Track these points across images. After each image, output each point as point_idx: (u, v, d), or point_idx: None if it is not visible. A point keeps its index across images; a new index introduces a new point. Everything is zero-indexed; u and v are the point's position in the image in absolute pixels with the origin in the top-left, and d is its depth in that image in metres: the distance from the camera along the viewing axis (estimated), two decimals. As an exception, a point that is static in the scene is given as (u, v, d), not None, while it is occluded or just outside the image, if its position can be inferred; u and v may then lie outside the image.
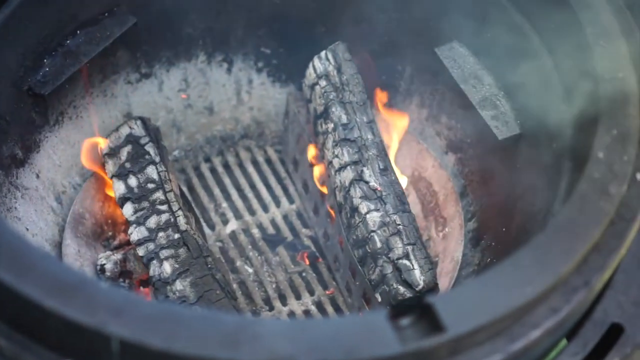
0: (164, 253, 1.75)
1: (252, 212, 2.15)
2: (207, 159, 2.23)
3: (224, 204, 2.15)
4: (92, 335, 1.11)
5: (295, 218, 2.14)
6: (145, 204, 1.83)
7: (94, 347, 1.13)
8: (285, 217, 2.15)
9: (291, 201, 2.18)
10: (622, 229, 1.36)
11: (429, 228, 2.06)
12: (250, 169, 2.23)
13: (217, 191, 2.17)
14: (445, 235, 2.01)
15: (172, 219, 1.80)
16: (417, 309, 1.19)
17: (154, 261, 1.75)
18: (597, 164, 1.38)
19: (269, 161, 2.25)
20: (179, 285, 1.71)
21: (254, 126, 2.25)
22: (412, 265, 1.78)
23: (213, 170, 2.22)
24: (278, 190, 2.19)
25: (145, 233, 1.79)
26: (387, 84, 2.13)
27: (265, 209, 2.16)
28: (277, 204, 2.17)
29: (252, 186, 2.20)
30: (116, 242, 1.99)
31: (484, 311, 1.19)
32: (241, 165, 2.24)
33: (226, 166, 2.23)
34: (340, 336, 1.14)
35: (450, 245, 1.97)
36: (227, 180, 2.20)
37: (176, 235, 1.77)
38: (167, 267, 1.73)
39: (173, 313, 1.13)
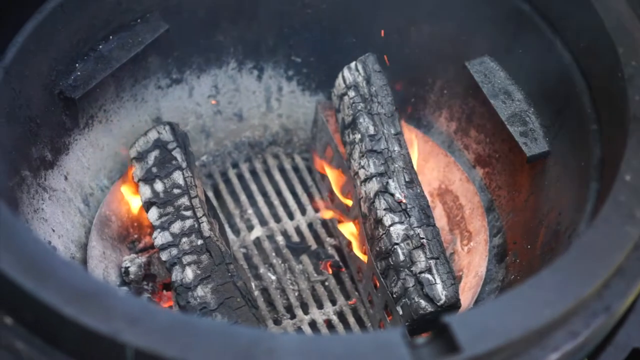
0: (187, 259, 1.76)
1: (277, 219, 2.15)
2: (235, 165, 2.24)
3: (250, 210, 2.16)
4: (107, 343, 1.12)
5: (320, 227, 2.14)
6: (170, 209, 1.84)
7: (110, 355, 1.14)
8: (310, 225, 2.15)
9: (317, 210, 2.18)
10: (648, 253, 1.34)
11: (455, 242, 2.05)
12: (277, 176, 2.23)
13: (243, 197, 2.18)
14: (470, 250, 2.00)
15: (196, 225, 1.81)
16: (434, 328, 1.19)
17: (177, 266, 1.76)
18: (623, 187, 1.36)
19: (296, 169, 2.25)
20: (200, 291, 1.71)
21: (282, 133, 2.26)
22: (435, 279, 1.77)
23: (240, 176, 2.23)
24: (304, 198, 2.20)
25: (169, 238, 1.80)
26: (417, 96, 2.13)
27: (291, 216, 2.16)
28: (303, 211, 2.17)
29: (279, 193, 2.21)
30: (141, 245, 2.00)
31: (502, 333, 1.18)
32: (268, 172, 2.24)
33: (253, 172, 2.24)
34: (354, 354, 1.14)
35: (475, 260, 1.96)
36: (253, 187, 2.21)
37: (199, 242, 1.78)
38: (189, 273, 1.74)
39: (189, 324, 1.14)
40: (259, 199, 2.19)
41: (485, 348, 1.16)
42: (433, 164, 2.11)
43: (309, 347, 1.13)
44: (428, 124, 2.15)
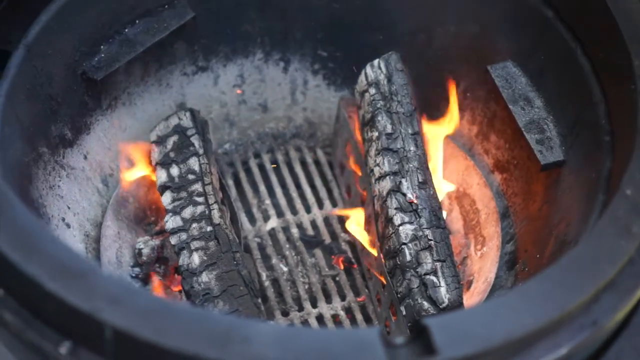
0: (195, 244, 1.78)
1: (294, 212, 2.16)
2: (257, 155, 2.26)
3: (267, 201, 2.17)
4: (88, 321, 1.14)
5: (337, 221, 2.15)
6: (184, 194, 1.86)
7: (91, 332, 1.16)
8: (326, 220, 2.15)
9: (334, 204, 2.18)
10: (642, 269, 1.32)
11: (469, 246, 2.04)
12: (298, 169, 2.24)
13: (262, 187, 2.20)
14: (482, 255, 1.99)
15: (207, 212, 1.82)
16: (415, 329, 1.19)
17: (184, 251, 1.78)
18: (623, 200, 1.34)
19: (317, 162, 2.26)
20: (205, 277, 1.73)
21: (305, 127, 2.27)
22: (439, 282, 1.76)
23: (261, 167, 2.24)
24: (323, 192, 2.20)
25: (180, 223, 1.83)
26: (441, 97, 2.12)
27: (308, 209, 2.17)
28: (320, 205, 2.18)
29: (298, 186, 2.22)
30: (157, 228, 2.03)
31: (481, 339, 1.18)
32: (289, 164, 2.25)
33: (274, 164, 2.25)
34: (329, 349, 1.14)
35: (486, 265, 1.95)
36: (273, 178, 2.22)
37: (208, 228, 1.80)
38: (196, 258, 1.76)
39: (167, 308, 1.16)
40: (278, 190, 2.20)
41: (462, 353, 1.16)
42: (453, 166, 2.10)
43: (284, 338, 1.14)
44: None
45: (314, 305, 2.00)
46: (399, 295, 1.80)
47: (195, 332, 1.13)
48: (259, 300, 1.74)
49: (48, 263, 1.17)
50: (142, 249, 1.95)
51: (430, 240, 1.81)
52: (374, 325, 1.97)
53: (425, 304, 1.75)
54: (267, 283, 2.02)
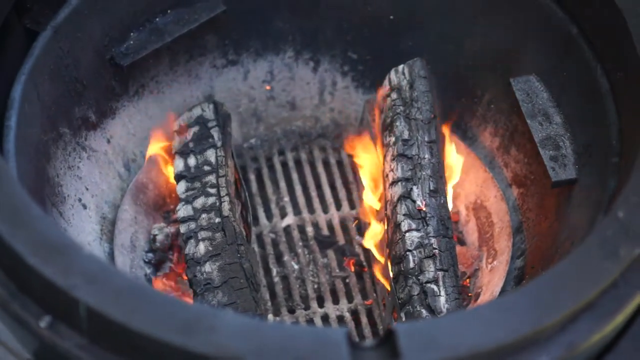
0: (202, 234, 1.81)
1: (311, 211, 2.18)
2: (282, 152, 2.28)
3: (286, 198, 2.20)
4: (64, 297, 1.18)
5: (352, 223, 2.15)
6: (198, 184, 1.90)
7: (67, 308, 1.20)
8: (342, 221, 2.17)
9: (352, 206, 2.19)
10: (625, 293, 1.30)
11: (481, 258, 2.03)
12: (320, 169, 2.26)
13: (282, 184, 2.22)
14: (492, 269, 1.98)
15: (218, 203, 1.85)
16: (384, 334, 1.20)
17: (192, 240, 1.82)
18: (613, 222, 1.33)
19: (340, 163, 2.27)
20: (208, 267, 1.76)
21: (332, 127, 2.28)
22: (439, 291, 1.76)
23: (284, 164, 2.27)
24: (342, 194, 2.21)
25: (191, 212, 1.86)
26: (465, 107, 2.12)
27: (325, 209, 2.19)
28: (338, 207, 2.19)
29: (318, 185, 2.23)
30: (174, 216, 2.07)
31: (447, 348, 1.18)
32: (312, 164, 2.27)
33: (298, 162, 2.27)
34: (294, 344, 1.16)
35: (494, 279, 1.94)
36: (295, 176, 2.24)
37: (217, 220, 1.83)
38: (202, 248, 1.80)
39: (140, 290, 1.19)
40: (298, 188, 2.22)
41: (426, 360, 1.16)
42: (472, 177, 2.10)
43: (250, 330, 1.16)
44: (473, 136, 2.13)
45: (321, 305, 2.02)
46: (400, 301, 1.81)
47: (164, 317, 1.16)
48: (258, 294, 1.76)
49: (32, 238, 1.21)
50: (156, 235, 2.00)
51: (435, 249, 1.81)
52: (379, 329, 1.97)
53: (424, 312, 1.75)
54: (276, 279, 2.04)
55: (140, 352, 1.19)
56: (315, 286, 2.05)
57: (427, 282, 1.77)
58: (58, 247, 1.21)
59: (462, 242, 2.08)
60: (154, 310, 1.16)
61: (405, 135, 1.93)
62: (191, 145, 1.96)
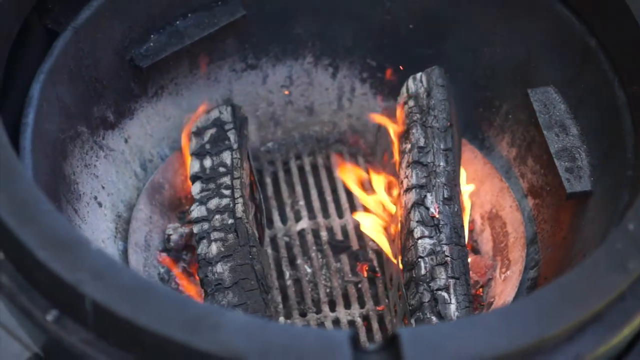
0: (215, 235, 1.82)
1: (326, 215, 2.19)
2: (298, 157, 2.29)
3: (302, 202, 2.20)
4: (71, 292, 1.19)
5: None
6: (212, 185, 1.91)
7: (74, 303, 1.21)
8: (357, 227, 2.16)
9: (368, 212, 2.19)
10: (633, 306, 1.29)
11: (495, 268, 2.02)
12: (337, 174, 2.26)
13: (298, 188, 2.23)
14: (505, 279, 1.97)
15: (231, 205, 1.87)
16: (388, 337, 1.20)
17: (204, 240, 1.83)
18: (623, 235, 1.32)
19: (356, 170, 2.28)
20: (219, 267, 1.77)
21: (350, 133, 2.29)
22: (450, 299, 1.76)
23: (301, 168, 2.27)
24: (358, 200, 2.22)
25: (204, 213, 1.87)
26: (483, 117, 2.11)
27: (340, 215, 2.19)
28: (353, 212, 2.19)
29: (334, 190, 2.24)
30: (189, 217, 2.08)
31: (451, 356, 1.18)
32: (328, 168, 2.28)
33: (314, 166, 2.28)
34: (297, 345, 1.16)
35: (507, 289, 1.93)
36: (311, 180, 2.25)
37: (230, 221, 1.84)
38: (214, 249, 1.81)
39: (148, 288, 1.20)
40: (313, 192, 2.22)
41: (430, 366, 1.16)
42: (488, 187, 2.09)
43: (254, 330, 1.17)
44: (490, 146, 2.13)
45: (333, 309, 2.02)
46: (410, 308, 1.80)
47: (170, 314, 1.17)
48: (269, 296, 1.77)
49: (41, 232, 1.22)
50: (171, 235, 2.01)
51: (447, 256, 1.81)
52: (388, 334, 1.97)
53: (434, 319, 1.75)
54: (289, 282, 2.05)
55: (145, 348, 1.20)
56: (328, 290, 2.05)
57: (438, 289, 1.77)
58: (66, 242, 1.22)
59: (476, 251, 2.08)
60: (159, 307, 1.17)
61: (421, 143, 1.93)
62: (207, 146, 1.98)
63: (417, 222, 1.85)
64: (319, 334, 1.20)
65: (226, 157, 1.95)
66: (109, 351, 1.22)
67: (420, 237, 1.83)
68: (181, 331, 1.15)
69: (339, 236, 2.15)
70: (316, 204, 2.20)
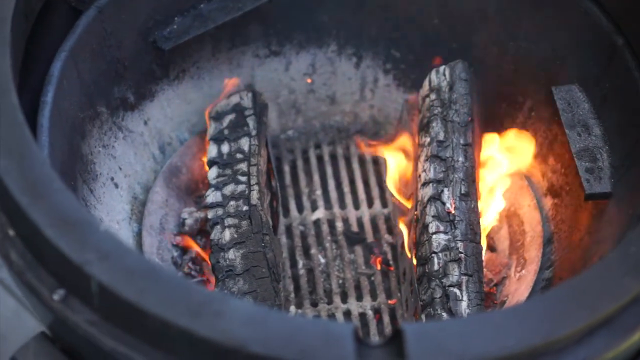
0: (229, 221, 1.82)
1: (342, 206, 2.17)
2: (318, 146, 2.28)
3: (319, 192, 2.19)
4: (78, 272, 1.19)
5: (383, 222, 2.14)
6: (229, 171, 1.90)
7: (80, 283, 1.21)
8: (373, 219, 2.15)
9: (384, 205, 2.18)
10: (646, 311, 1.27)
11: (510, 266, 2.00)
12: (355, 165, 2.25)
13: (316, 177, 2.22)
14: (520, 278, 1.95)
15: (247, 192, 1.86)
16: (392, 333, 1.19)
17: (218, 226, 1.82)
18: (637, 239, 1.30)
19: (375, 161, 2.26)
20: (231, 254, 1.77)
21: (371, 124, 2.27)
22: (462, 296, 1.74)
23: (320, 157, 2.26)
24: (375, 192, 2.20)
25: (220, 198, 1.87)
26: (506, 113, 2.09)
27: (357, 206, 2.18)
28: (370, 204, 2.18)
29: (352, 181, 2.23)
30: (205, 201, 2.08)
31: (455, 354, 1.16)
32: (348, 159, 2.26)
33: (333, 156, 2.27)
34: (300, 336, 1.15)
35: (521, 288, 1.91)
36: (329, 170, 2.23)
37: (245, 208, 1.83)
38: (227, 235, 1.80)
39: (153, 271, 1.19)
40: (331, 183, 2.21)
41: (433, 363, 1.15)
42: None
43: (256, 319, 1.16)
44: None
45: (344, 301, 2.01)
46: (421, 303, 1.79)
47: (173, 299, 1.16)
48: (279, 285, 1.76)
49: (51, 210, 1.22)
50: (186, 219, 2.01)
51: (461, 253, 1.79)
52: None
53: (444, 316, 1.73)
54: (302, 271, 2.04)
55: (148, 331, 1.19)
56: (340, 281, 2.04)
57: (451, 285, 1.76)
58: (75, 221, 1.22)
59: (492, 249, 2.06)
60: (164, 291, 1.17)
61: (441, 137, 1.91)
62: (226, 132, 1.97)
63: (432, 216, 1.84)
64: (322, 325, 1.19)
65: (244, 143, 1.94)
66: (113, 333, 1.22)
67: (435, 232, 1.82)
68: (184, 317, 1.15)
69: (355, 228, 2.14)
70: (333, 194, 2.19)
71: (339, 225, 2.13)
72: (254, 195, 1.86)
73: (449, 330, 1.20)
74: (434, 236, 1.81)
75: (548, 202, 2.01)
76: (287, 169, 2.23)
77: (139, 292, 1.16)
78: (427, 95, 1.99)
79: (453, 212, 1.83)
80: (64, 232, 1.20)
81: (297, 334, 1.15)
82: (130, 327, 1.21)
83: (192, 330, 1.13)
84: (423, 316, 1.77)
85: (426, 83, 2.01)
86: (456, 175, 1.87)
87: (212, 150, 1.96)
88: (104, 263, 1.18)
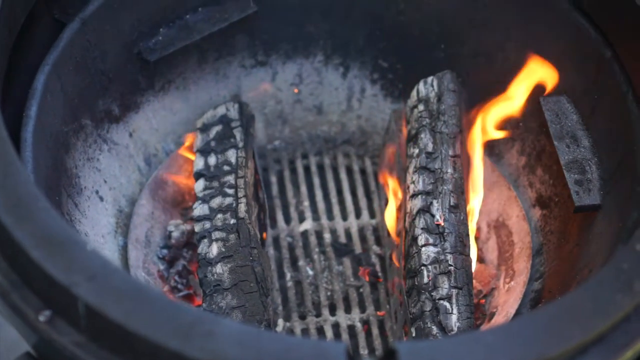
0: (216, 234, 1.80)
1: (330, 217, 2.16)
2: (305, 156, 2.26)
3: (306, 203, 2.18)
4: (64, 293, 1.17)
5: (371, 233, 2.13)
6: (216, 184, 1.88)
7: (67, 304, 1.19)
8: (361, 230, 2.14)
9: (372, 216, 2.17)
10: (637, 328, 1.26)
11: (499, 277, 1.99)
12: (343, 175, 2.24)
13: (303, 188, 2.20)
14: (509, 289, 1.94)
15: (234, 204, 1.84)
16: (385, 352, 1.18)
17: (205, 240, 1.80)
18: (630, 255, 1.29)
19: (363, 171, 2.25)
20: (219, 268, 1.75)
21: (358, 134, 2.26)
22: (452, 309, 1.73)
23: (307, 168, 2.25)
24: (363, 202, 2.19)
25: (207, 211, 1.85)
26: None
27: (345, 217, 2.16)
28: (358, 215, 2.17)
29: (339, 192, 2.21)
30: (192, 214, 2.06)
31: (448, 372, 1.15)
32: (335, 170, 2.25)
33: (320, 167, 2.25)
34: (291, 355, 1.14)
35: (510, 300, 1.90)
36: (316, 181, 2.22)
37: (232, 221, 1.81)
38: (215, 249, 1.78)
39: (141, 291, 1.17)
40: (318, 193, 2.20)
41: (426, 383, 1.13)
42: (496, 195, 2.06)
43: (248, 339, 1.14)
44: (499, 153, 2.10)
45: (333, 313, 2.00)
46: (411, 316, 1.78)
47: (163, 320, 1.14)
48: (268, 299, 1.74)
49: (36, 230, 1.20)
50: (172, 231, 1.99)
51: (451, 265, 1.78)
52: (389, 341, 1.95)
53: (434, 329, 1.72)
54: (290, 283, 2.03)
55: (137, 353, 1.17)
56: (329, 293, 2.03)
57: (440, 298, 1.74)
58: (61, 242, 1.20)
59: (481, 260, 2.05)
60: (152, 312, 1.15)
61: (430, 148, 1.90)
62: (213, 144, 1.95)
63: (421, 229, 1.82)
64: (314, 345, 1.17)
65: (231, 155, 1.92)
66: (101, 354, 1.20)
67: (425, 245, 1.80)
68: (173, 338, 1.13)
69: (342, 239, 2.12)
70: (321, 205, 2.18)
71: (327, 236, 2.12)
72: (242, 208, 1.84)
73: (443, 350, 1.18)
74: (423, 249, 1.80)
75: (537, 213, 2.00)
76: (274, 179, 2.22)
77: (126, 313, 1.14)
78: (415, 106, 1.98)
79: (442, 224, 1.82)
80: (50, 253, 1.18)
81: (288, 354, 1.14)
82: (117, 349, 1.19)
83: (182, 352, 1.12)
84: (413, 329, 1.76)
85: (414, 93, 2.00)
86: (445, 187, 1.86)
87: (198, 163, 1.94)
88: (91, 284, 1.16)
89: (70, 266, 1.17)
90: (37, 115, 1.61)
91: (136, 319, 1.14)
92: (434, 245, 1.80)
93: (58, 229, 1.21)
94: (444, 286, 1.76)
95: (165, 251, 1.98)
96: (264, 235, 1.93)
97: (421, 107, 1.96)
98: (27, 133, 1.57)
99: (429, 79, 1.99)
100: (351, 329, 1.98)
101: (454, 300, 1.74)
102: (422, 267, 1.78)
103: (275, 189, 2.20)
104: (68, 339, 1.21)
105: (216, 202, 1.86)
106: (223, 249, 1.78)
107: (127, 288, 1.17)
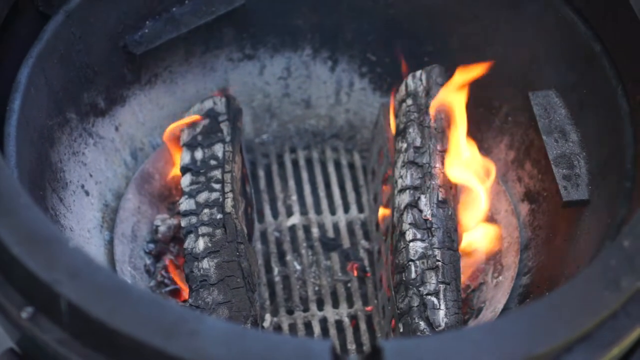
0: (202, 229, 1.79)
1: (318, 211, 2.15)
2: (293, 150, 2.25)
3: (294, 197, 2.16)
4: (46, 290, 1.16)
5: (359, 228, 2.12)
6: (202, 178, 1.87)
7: (49, 301, 1.17)
8: (349, 224, 2.13)
9: (360, 210, 2.16)
10: (624, 326, 1.26)
11: (487, 272, 1.99)
12: (331, 169, 2.22)
13: (291, 182, 2.19)
14: (497, 284, 1.93)
15: (221, 199, 1.83)
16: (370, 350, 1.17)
17: (191, 235, 1.79)
18: (617, 251, 1.28)
19: (351, 165, 2.24)
20: (205, 263, 1.74)
21: (346, 128, 2.25)
22: (439, 304, 1.72)
23: (295, 162, 2.23)
24: (351, 197, 2.18)
25: (193, 206, 1.83)
26: (482, 118, 2.07)
27: (333, 211, 2.15)
28: (346, 209, 2.16)
29: (327, 186, 2.20)
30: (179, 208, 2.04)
31: (434, 370, 1.14)
32: (323, 164, 2.24)
33: (309, 161, 2.24)
34: (276, 354, 1.13)
35: (498, 295, 1.90)
36: (304, 175, 2.21)
37: (219, 216, 1.80)
38: (201, 244, 1.77)
39: (124, 289, 1.16)
40: (306, 188, 2.19)
41: (411, 381, 1.12)
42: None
43: (232, 337, 1.13)
44: (488, 147, 2.08)
45: (320, 308, 1.99)
46: (399, 311, 1.77)
47: (146, 317, 1.13)
48: (254, 294, 1.73)
49: (19, 227, 1.19)
50: (159, 226, 1.98)
51: (439, 261, 1.77)
52: (377, 336, 1.94)
53: (422, 325, 1.71)
54: (277, 278, 2.02)
55: (119, 351, 1.16)
56: (316, 288, 2.02)
57: (428, 294, 1.74)
58: (43, 239, 1.18)
59: (469, 254, 2.04)
60: (136, 310, 1.14)
61: (418, 143, 1.89)
62: (199, 138, 1.93)
63: (409, 224, 1.81)
64: (299, 343, 1.16)
65: (218, 149, 1.90)
66: (83, 352, 1.19)
67: (412, 240, 1.79)
68: (157, 336, 1.12)
69: (331, 233, 2.11)
70: (309, 199, 2.17)
71: (315, 231, 2.11)
72: (228, 203, 1.83)
73: (429, 348, 1.17)
74: (411, 244, 1.79)
75: (525, 207, 1.99)
76: (261, 173, 2.20)
77: (109, 311, 1.13)
78: (404, 100, 1.97)
79: (430, 219, 1.81)
80: (32, 250, 1.17)
81: (273, 352, 1.13)
82: (100, 346, 1.18)
83: (165, 350, 1.11)
84: (400, 325, 1.75)
85: (402, 88, 1.99)
86: (433, 182, 1.85)
87: (185, 157, 1.92)
88: (74, 281, 1.15)
89: (53, 263, 1.16)
90: (20, 109, 1.59)
91: (119, 317, 1.13)
92: (422, 240, 1.79)
93: (40, 226, 1.20)
94: (432, 281, 1.75)
95: (151, 246, 1.97)
96: (252, 229, 1.91)
97: (409, 101, 1.95)
98: (10, 127, 1.55)
99: (418, 73, 1.97)
100: (339, 324, 1.97)
101: (441, 296, 1.74)
102: (410, 263, 1.77)
103: (262, 183, 2.18)
104: (51, 336, 1.19)
105: (203, 196, 1.85)
106: (209, 244, 1.77)
107: (110, 285, 1.15)
